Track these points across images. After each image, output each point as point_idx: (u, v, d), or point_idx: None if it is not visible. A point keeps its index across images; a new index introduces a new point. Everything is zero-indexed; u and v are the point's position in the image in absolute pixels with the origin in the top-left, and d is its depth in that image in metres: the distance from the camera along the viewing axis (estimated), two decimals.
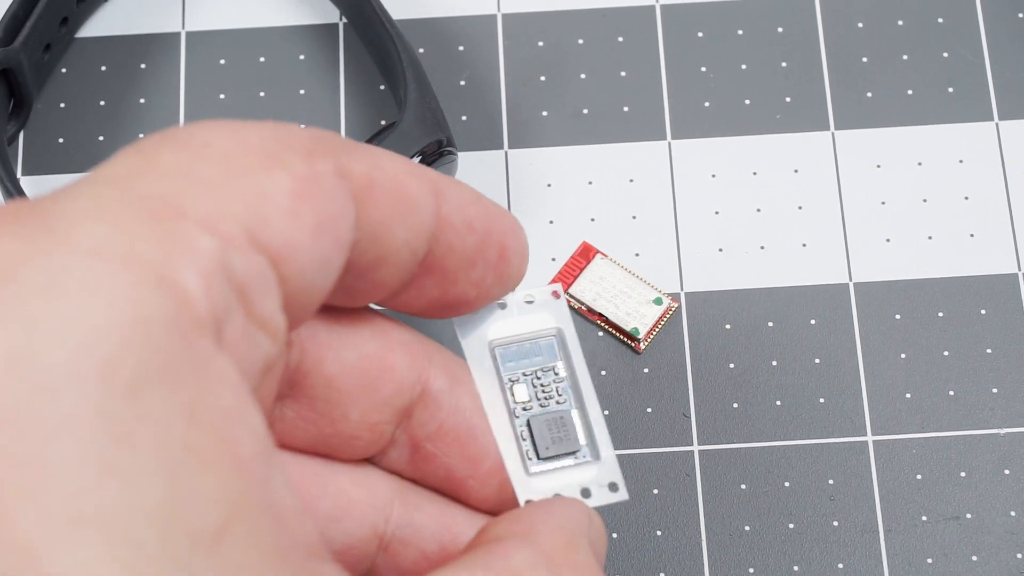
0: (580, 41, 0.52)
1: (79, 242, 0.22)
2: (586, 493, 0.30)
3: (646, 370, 0.48)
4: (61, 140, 0.51)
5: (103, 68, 0.52)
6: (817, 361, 0.48)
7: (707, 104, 0.51)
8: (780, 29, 0.52)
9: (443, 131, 0.48)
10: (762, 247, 0.50)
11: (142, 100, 0.52)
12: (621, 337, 0.48)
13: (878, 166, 0.51)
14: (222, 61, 0.52)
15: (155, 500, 0.21)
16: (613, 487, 0.30)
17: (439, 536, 0.30)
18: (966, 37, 0.52)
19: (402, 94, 0.48)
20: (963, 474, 0.47)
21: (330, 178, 0.25)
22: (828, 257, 0.49)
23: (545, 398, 0.31)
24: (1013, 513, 0.46)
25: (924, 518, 0.46)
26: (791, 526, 0.46)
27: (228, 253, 0.23)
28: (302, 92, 0.52)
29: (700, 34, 0.52)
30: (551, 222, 0.50)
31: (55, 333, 0.21)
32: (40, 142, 0.51)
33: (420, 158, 0.47)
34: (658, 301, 0.48)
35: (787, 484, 0.47)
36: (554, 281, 0.49)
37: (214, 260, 0.23)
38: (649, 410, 0.48)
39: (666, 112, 0.51)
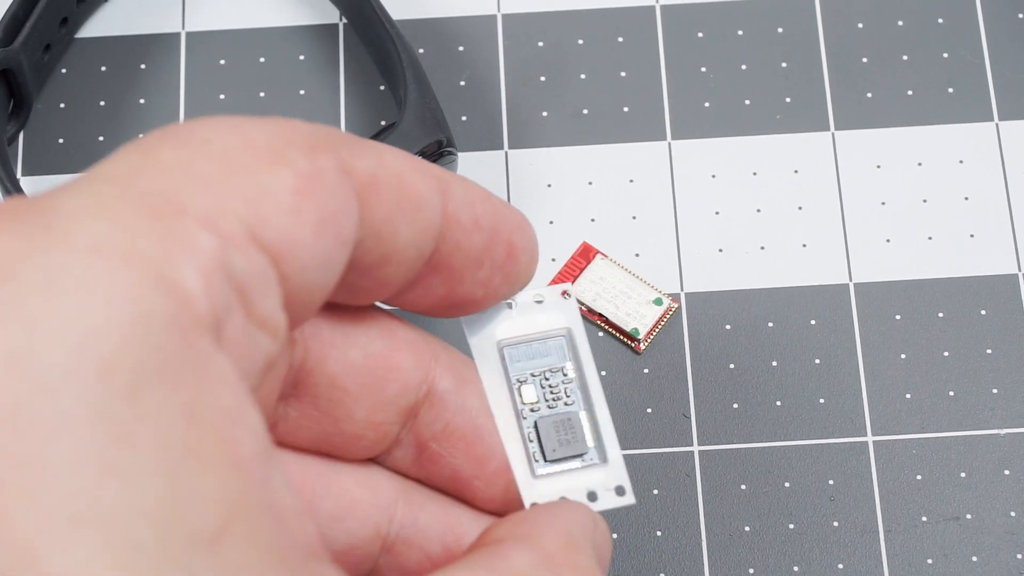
0: (580, 41, 0.52)
1: (78, 239, 0.22)
2: (592, 497, 0.29)
3: (646, 370, 0.48)
4: (61, 140, 0.51)
5: (103, 68, 0.52)
6: (817, 361, 0.48)
7: (707, 104, 0.51)
8: (780, 29, 0.52)
9: (443, 131, 0.48)
10: (762, 247, 0.50)
11: (142, 100, 0.52)
12: (621, 337, 0.48)
13: (878, 166, 0.51)
14: (222, 61, 0.52)
15: (154, 500, 0.21)
16: (620, 491, 0.30)
17: (443, 537, 0.30)
18: (966, 37, 0.52)
19: (402, 94, 0.48)
20: (963, 475, 0.47)
21: (333, 175, 0.25)
22: (828, 257, 0.49)
23: (553, 399, 0.30)
24: (1013, 514, 0.46)
25: (924, 518, 0.46)
26: (791, 526, 0.46)
27: (228, 251, 0.23)
28: (302, 92, 0.52)
29: (700, 34, 0.52)
30: (551, 222, 0.50)
31: (54, 332, 0.21)
32: (40, 142, 0.51)
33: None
34: (658, 301, 0.48)
35: (787, 484, 0.47)
36: (554, 282, 0.49)
37: (214, 258, 0.23)
38: (649, 410, 0.48)
39: (666, 112, 0.51)
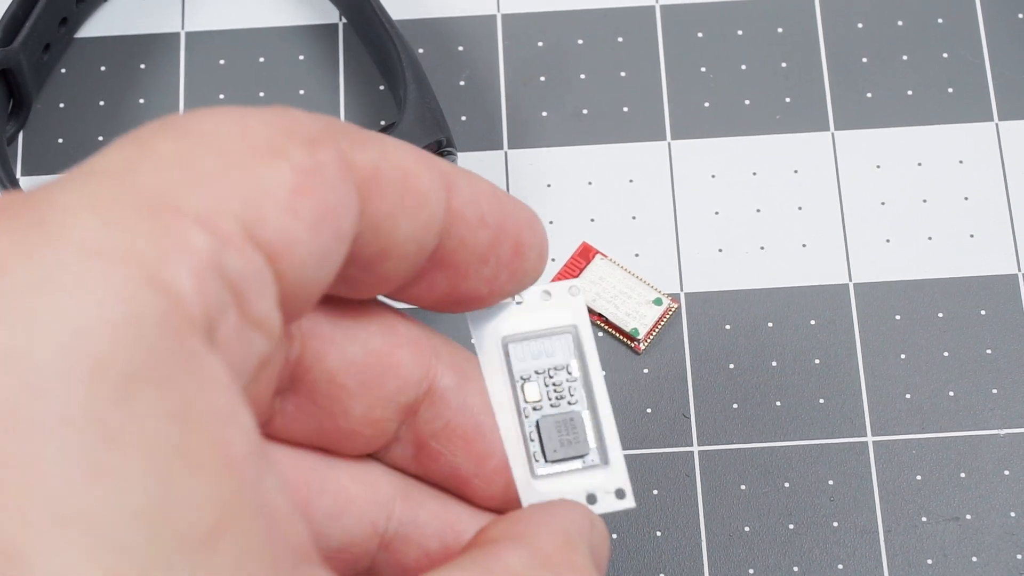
0: (580, 41, 0.52)
1: (72, 238, 0.22)
2: (592, 499, 0.29)
3: (646, 370, 0.48)
4: (61, 140, 0.51)
5: (102, 68, 0.52)
6: (817, 362, 0.48)
7: (707, 104, 0.51)
8: (780, 29, 0.52)
9: (443, 131, 0.48)
10: (762, 247, 0.50)
11: (141, 100, 0.51)
12: (621, 337, 0.48)
13: (878, 166, 0.51)
14: (222, 61, 0.52)
15: (144, 502, 0.20)
16: (620, 494, 0.29)
17: (442, 534, 0.30)
18: (966, 37, 0.52)
19: (402, 94, 0.48)
20: (963, 475, 0.47)
21: (333, 169, 0.25)
22: (828, 257, 0.49)
23: (557, 398, 0.30)
24: (1013, 514, 0.46)
25: (924, 519, 0.46)
26: (791, 527, 0.46)
27: (223, 251, 0.23)
28: (302, 92, 0.52)
29: (700, 34, 0.52)
30: (551, 222, 0.50)
31: (45, 331, 0.21)
32: (39, 142, 0.51)
33: None
34: (658, 301, 0.48)
35: (787, 485, 0.47)
36: (555, 281, 0.49)
37: (208, 258, 0.23)
38: (649, 411, 0.48)
39: (666, 112, 0.51)
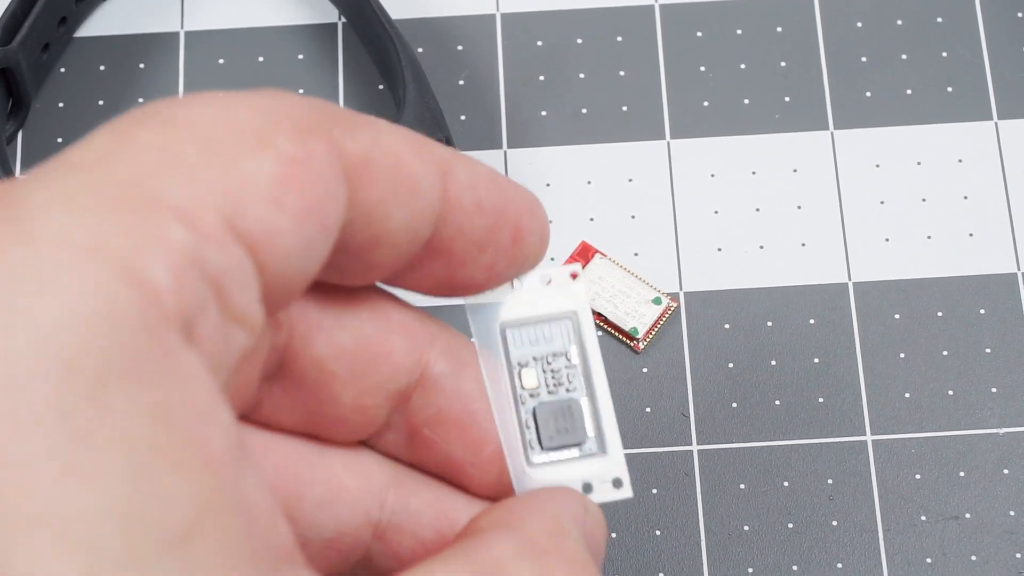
0: (579, 41, 0.52)
1: (43, 233, 0.21)
2: (588, 488, 0.28)
3: (645, 370, 0.48)
4: (60, 140, 0.51)
5: (102, 68, 0.52)
6: (816, 361, 0.48)
7: (706, 104, 0.51)
8: (779, 29, 0.52)
9: (442, 131, 0.48)
10: (761, 247, 0.50)
11: (141, 100, 0.52)
12: (620, 337, 0.48)
13: (877, 165, 0.51)
14: (221, 61, 0.52)
15: (119, 500, 0.20)
16: (617, 483, 0.29)
17: (436, 523, 0.29)
18: (965, 37, 0.52)
19: (401, 94, 0.48)
20: (962, 474, 0.47)
21: (321, 157, 0.24)
22: (827, 257, 0.49)
23: (555, 385, 0.29)
24: (1012, 513, 0.46)
25: (923, 518, 0.46)
26: (790, 526, 0.46)
27: (203, 245, 0.22)
28: (301, 92, 0.52)
29: (699, 34, 0.52)
30: (550, 222, 0.50)
31: (14, 328, 0.20)
32: (39, 142, 0.51)
33: None
34: (657, 301, 0.48)
35: (786, 484, 0.47)
36: None
37: (187, 253, 0.22)
38: (648, 410, 0.47)
39: (665, 112, 0.51)
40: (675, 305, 0.49)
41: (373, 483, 0.29)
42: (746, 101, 0.51)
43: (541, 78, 0.52)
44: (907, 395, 0.48)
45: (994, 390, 0.48)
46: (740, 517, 0.46)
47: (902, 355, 0.48)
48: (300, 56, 0.52)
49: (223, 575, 0.21)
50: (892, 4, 0.52)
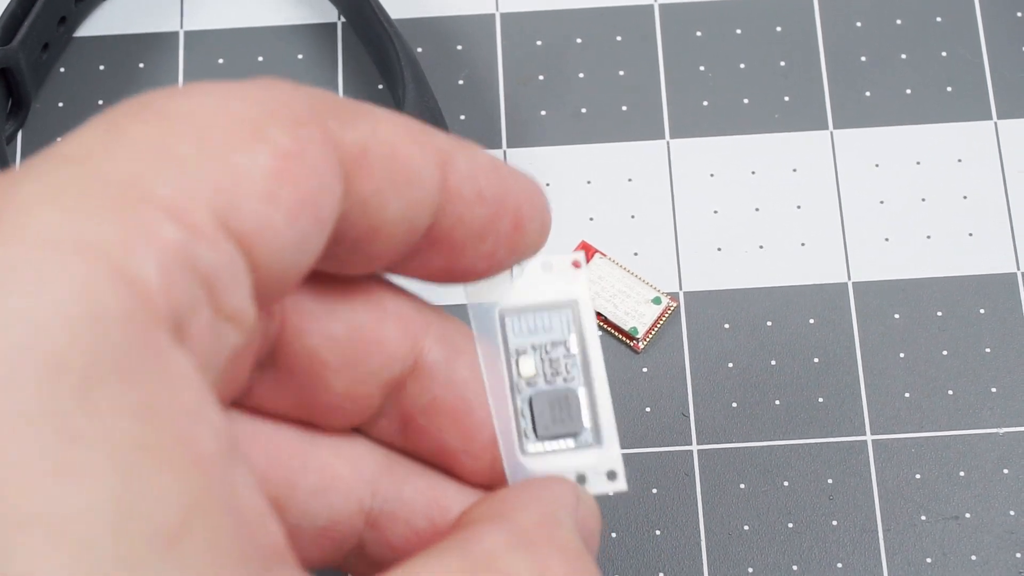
0: (579, 40, 0.52)
1: (30, 231, 0.21)
2: (581, 479, 0.28)
3: (645, 369, 0.48)
4: (60, 139, 0.51)
5: (101, 67, 0.52)
6: (816, 360, 0.48)
7: (706, 103, 0.51)
8: (779, 28, 0.52)
9: (442, 130, 0.48)
10: (761, 246, 0.50)
11: None
12: (620, 336, 0.48)
13: (877, 165, 0.51)
14: (220, 60, 0.52)
15: (108, 499, 0.20)
16: (612, 475, 0.28)
17: (428, 511, 0.28)
18: (965, 36, 0.52)
19: (400, 93, 0.48)
20: (962, 473, 0.47)
21: (316, 150, 0.24)
22: (827, 256, 0.49)
23: (552, 374, 0.28)
24: (1012, 512, 0.46)
25: (923, 517, 0.46)
26: (790, 525, 0.46)
27: (193, 242, 0.22)
28: None
29: (699, 33, 0.52)
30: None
31: (1, 328, 0.20)
32: (38, 141, 0.51)
33: None
34: (657, 300, 0.48)
35: (786, 483, 0.47)
36: None
37: (177, 251, 0.22)
38: (648, 409, 0.47)
39: (665, 111, 0.51)
40: (675, 305, 0.49)
41: (366, 471, 0.28)
42: (745, 101, 0.51)
43: (540, 78, 0.52)
44: (907, 395, 0.48)
45: (994, 390, 0.48)
46: (740, 517, 0.46)
47: (902, 355, 0.48)
48: (300, 56, 0.52)
49: (213, 573, 0.21)
50: (892, 4, 0.52)
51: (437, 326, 0.28)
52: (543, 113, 0.51)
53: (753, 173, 0.51)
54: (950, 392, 0.48)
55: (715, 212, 0.50)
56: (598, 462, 0.28)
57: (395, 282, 0.28)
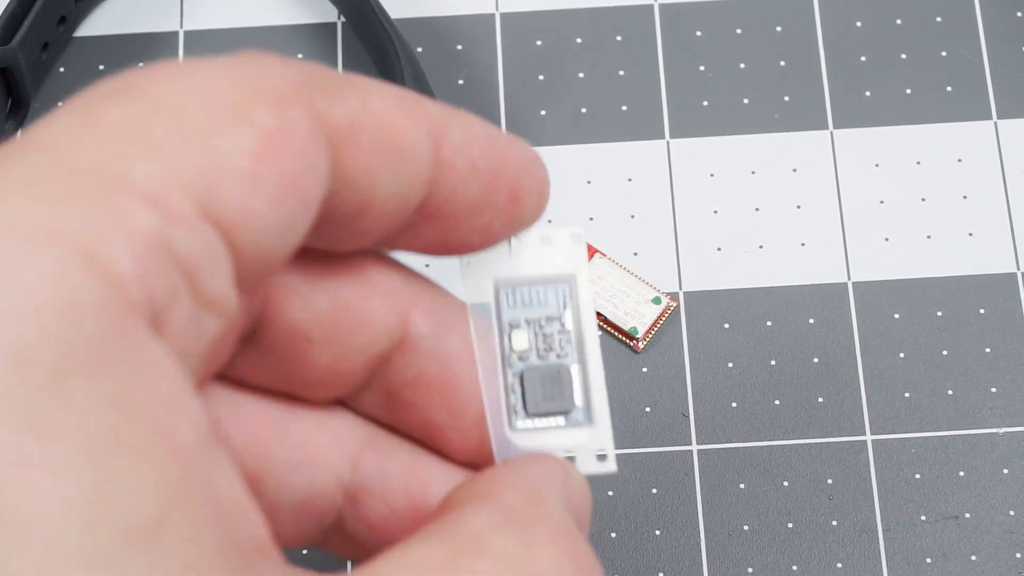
0: (578, 40, 0.52)
1: None
2: (570, 459, 0.27)
3: (645, 369, 0.48)
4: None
5: (101, 67, 0.52)
6: (816, 360, 0.48)
7: (705, 103, 0.51)
8: (779, 28, 0.52)
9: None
10: (761, 246, 0.49)
11: None
12: (619, 336, 0.48)
13: (877, 165, 0.51)
14: None
15: (79, 494, 0.19)
16: (602, 456, 0.27)
17: (408, 488, 0.27)
18: (965, 36, 0.52)
19: None
20: (962, 473, 0.47)
21: (302, 129, 0.23)
22: (827, 256, 0.49)
23: (545, 349, 0.28)
24: (1012, 512, 0.46)
25: (923, 517, 0.46)
26: (790, 525, 0.46)
27: (171, 228, 0.21)
28: None
29: (699, 33, 0.52)
30: (549, 221, 0.50)
31: None
32: None
33: None
34: (656, 300, 0.48)
35: (786, 483, 0.47)
36: None
37: (153, 237, 0.21)
38: (648, 409, 0.47)
39: (664, 111, 0.51)
40: (675, 305, 0.49)
41: (347, 444, 0.27)
42: (745, 101, 0.51)
43: (540, 77, 0.52)
44: (907, 395, 0.48)
45: (994, 390, 0.48)
46: (740, 517, 0.46)
47: (902, 355, 0.48)
48: (300, 56, 0.52)
49: (191, 568, 0.20)
50: (892, 4, 0.52)
51: (426, 298, 0.27)
52: (543, 113, 0.51)
53: (753, 173, 0.51)
54: (950, 392, 0.48)
55: (715, 212, 0.50)
56: (588, 442, 0.27)
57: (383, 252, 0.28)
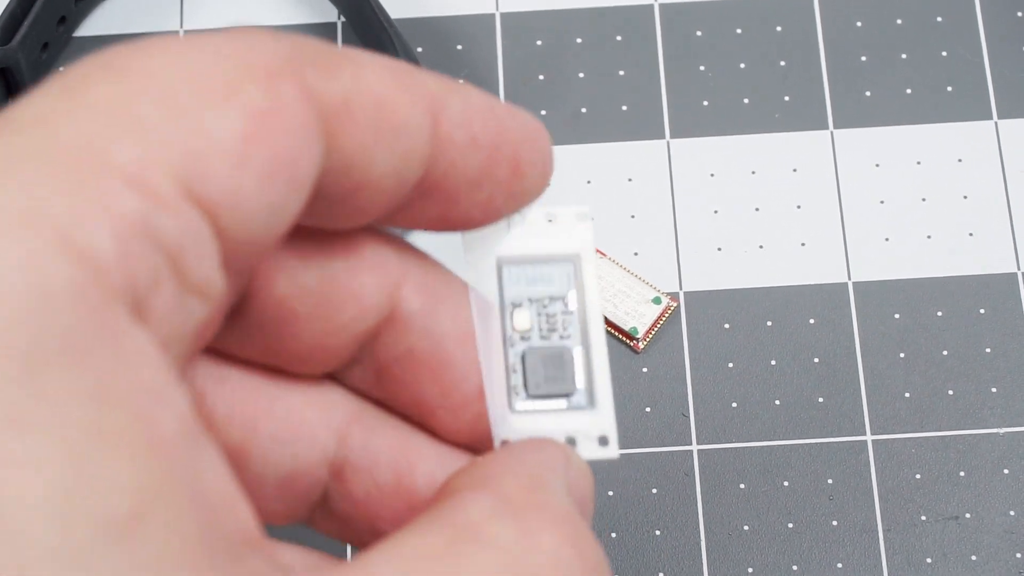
0: (579, 40, 0.52)
1: None
2: (571, 443, 0.26)
3: (645, 369, 0.48)
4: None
5: None
6: (816, 360, 0.48)
7: (706, 103, 0.51)
8: (779, 28, 0.52)
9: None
10: (761, 246, 0.49)
11: None
12: (620, 336, 0.48)
13: (877, 165, 0.51)
14: None
15: (53, 487, 0.18)
16: (603, 441, 0.26)
17: (395, 464, 0.27)
18: (965, 36, 0.52)
19: None
20: (962, 473, 0.47)
21: (293, 106, 0.22)
22: (827, 256, 0.49)
23: (548, 330, 0.27)
24: (1012, 512, 0.46)
25: (923, 517, 0.46)
26: (790, 525, 0.46)
27: (154, 211, 0.20)
28: None
29: (699, 33, 0.52)
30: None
31: None
32: None
33: None
34: (657, 300, 0.48)
35: (786, 483, 0.47)
36: None
37: (136, 220, 0.20)
38: (648, 409, 0.47)
39: (665, 111, 0.51)
40: (675, 305, 0.49)
41: (334, 418, 0.27)
42: (746, 101, 0.51)
43: (540, 77, 0.52)
44: (907, 395, 0.48)
45: (994, 390, 0.48)
46: (740, 517, 0.46)
47: (902, 355, 0.48)
48: None
49: (171, 562, 0.19)
50: (892, 4, 0.52)
51: (419, 274, 0.26)
52: (543, 113, 0.51)
53: (753, 173, 0.51)
54: (950, 392, 0.48)
55: (715, 212, 0.50)
56: (590, 426, 0.26)
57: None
